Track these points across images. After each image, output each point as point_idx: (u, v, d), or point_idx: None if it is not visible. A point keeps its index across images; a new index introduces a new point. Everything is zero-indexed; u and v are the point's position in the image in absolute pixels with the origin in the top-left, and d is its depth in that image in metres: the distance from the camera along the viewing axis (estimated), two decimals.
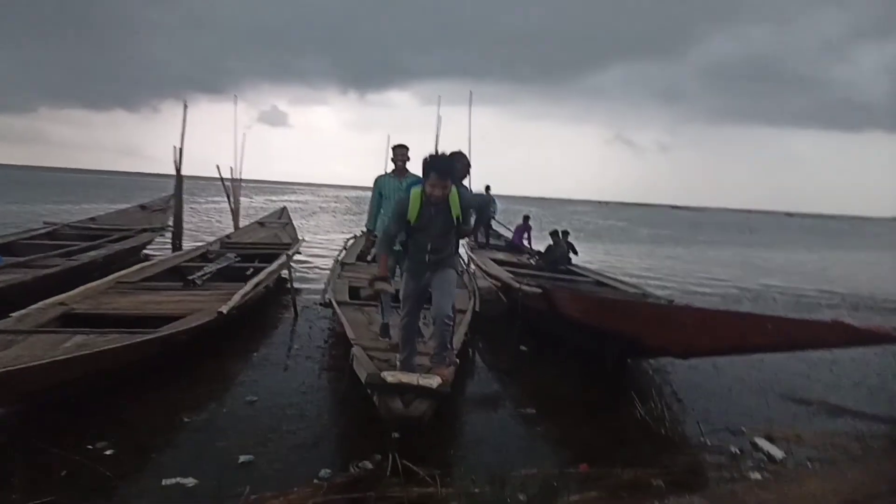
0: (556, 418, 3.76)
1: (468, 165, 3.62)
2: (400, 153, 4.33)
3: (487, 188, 11.04)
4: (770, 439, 3.43)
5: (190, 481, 2.57)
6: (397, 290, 3.57)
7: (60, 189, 36.89)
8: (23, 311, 3.99)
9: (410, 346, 3.36)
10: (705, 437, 3.48)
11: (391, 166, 4.44)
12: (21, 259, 6.22)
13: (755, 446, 3.35)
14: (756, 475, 2.94)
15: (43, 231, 8.52)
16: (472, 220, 3.49)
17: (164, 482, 2.56)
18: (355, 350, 3.54)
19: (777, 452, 3.25)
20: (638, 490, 2.68)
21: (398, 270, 4.01)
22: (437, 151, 3.24)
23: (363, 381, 3.05)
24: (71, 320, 4.20)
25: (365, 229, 4.74)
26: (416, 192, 3.19)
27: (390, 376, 2.91)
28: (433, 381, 2.91)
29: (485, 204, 3.45)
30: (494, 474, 2.74)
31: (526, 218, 10.82)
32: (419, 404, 2.82)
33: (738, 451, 3.27)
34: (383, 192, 4.31)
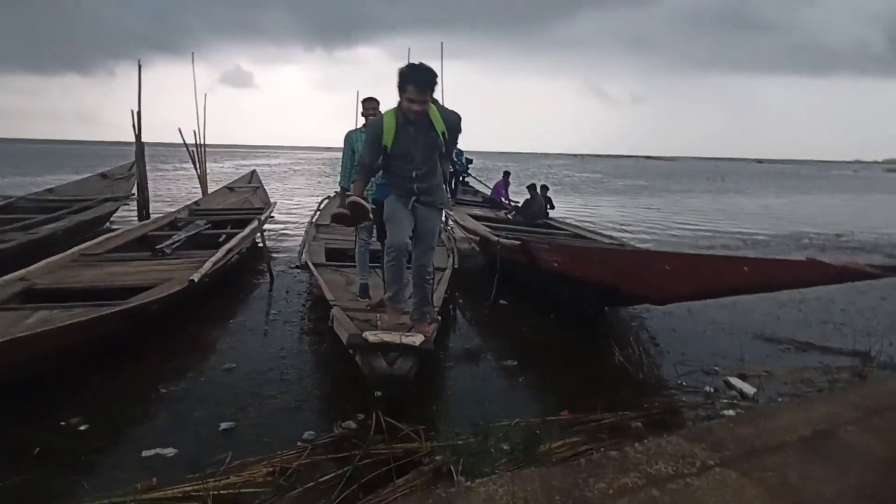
0: (536, 368, 3.81)
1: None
2: (370, 106, 4.15)
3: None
4: (742, 377, 3.54)
5: (170, 451, 2.53)
6: (376, 250, 3.46)
7: (17, 161, 35.02)
8: None
9: (399, 281, 3.13)
10: (681, 378, 3.57)
11: (362, 122, 4.26)
12: None
13: (729, 385, 3.46)
14: (730, 412, 3.05)
15: None
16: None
17: (143, 454, 2.51)
18: (335, 311, 3.47)
19: (749, 389, 3.37)
20: (618, 432, 2.75)
21: (373, 230, 3.91)
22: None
23: (344, 341, 3.00)
24: (33, 296, 4.02)
25: (339, 189, 4.59)
26: (389, 111, 2.88)
27: (372, 336, 2.88)
28: (416, 339, 2.88)
29: (457, 123, 3.16)
30: (478, 426, 2.76)
31: (506, 174, 10.74)
32: (403, 362, 2.80)
33: (712, 391, 3.38)
34: (355, 148, 4.14)
